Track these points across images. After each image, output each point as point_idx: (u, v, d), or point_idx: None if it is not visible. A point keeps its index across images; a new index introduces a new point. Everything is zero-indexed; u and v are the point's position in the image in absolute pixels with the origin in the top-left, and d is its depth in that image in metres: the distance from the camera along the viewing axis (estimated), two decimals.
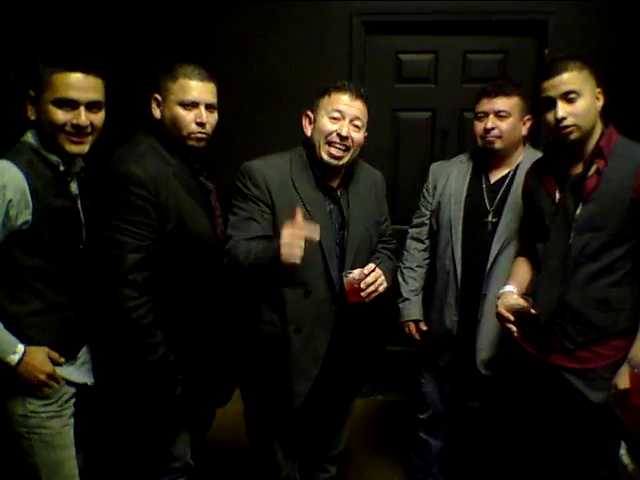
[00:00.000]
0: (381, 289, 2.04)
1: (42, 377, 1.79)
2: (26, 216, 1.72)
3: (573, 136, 1.94)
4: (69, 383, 1.90)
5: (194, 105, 1.94)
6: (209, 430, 2.34)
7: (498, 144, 2.33)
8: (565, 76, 1.92)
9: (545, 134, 2.21)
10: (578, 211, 1.96)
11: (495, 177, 2.41)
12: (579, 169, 1.99)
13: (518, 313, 2.01)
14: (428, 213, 2.57)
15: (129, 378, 1.97)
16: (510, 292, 2.10)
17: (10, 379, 1.79)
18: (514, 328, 2.02)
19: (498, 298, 2.12)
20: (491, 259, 2.32)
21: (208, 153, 2.09)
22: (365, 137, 2.15)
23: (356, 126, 2.06)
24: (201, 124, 1.95)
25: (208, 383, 2.10)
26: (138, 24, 3.46)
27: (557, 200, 2.03)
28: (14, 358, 1.75)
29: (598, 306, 1.96)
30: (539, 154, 2.37)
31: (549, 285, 2.02)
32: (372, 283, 2.00)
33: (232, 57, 3.44)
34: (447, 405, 2.59)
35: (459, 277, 2.38)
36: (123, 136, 1.99)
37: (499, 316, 2.07)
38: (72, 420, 1.93)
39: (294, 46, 3.47)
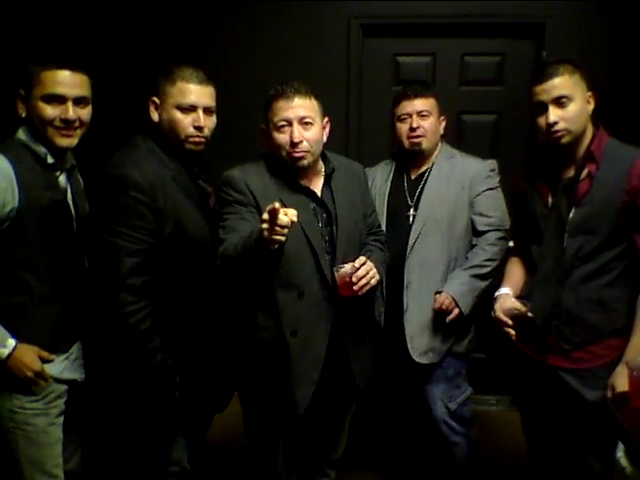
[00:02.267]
0: (373, 282, 2.04)
1: (29, 374, 1.82)
2: (13, 204, 1.77)
3: (564, 140, 1.96)
4: (58, 381, 1.92)
5: (192, 109, 1.94)
6: (206, 434, 2.33)
7: (424, 144, 2.43)
8: (556, 81, 1.94)
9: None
10: (571, 215, 1.98)
11: (415, 174, 2.52)
12: (571, 173, 2.01)
13: (515, 317, 2.03)
14: None
15: (127, 382, 1.96)
16: (507, 295, 2.12)
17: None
18: (512, 332, 2.04)
19: (494, 300, 2.13)
20: (408, 249, 2.39)
21: (205, 156, 2.09)
22: (326, 122, 2.12)
23: (306, 123, 2.02)
24: (199, 128, 1.94)
25: (206, 388, 2.10)
26: (136, 28, 3.46)
27: (550, 204, 2.05)
28: (3, 352, 1.78)
29: (593, 307, 1.98)
30: (455, 151, 2.53)
31: (544, 287, 2.04)
32: (364, 276, 2.00)
33: (230, 60, 3.45)
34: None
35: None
36: (121, 139, 2.00)
37: (497, 320, 2.08)
38: (60, 419, 1.94)
39: (292, 49, 3.48)
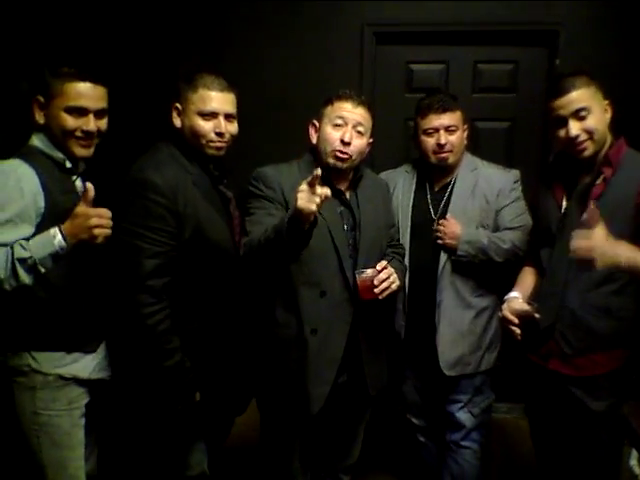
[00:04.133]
0: (394, 287, 2.08)
1: (93, 222, 1.73)
2: (40, 210, 1.79)
3: (587, 152, 1.98)
4: (80, 383, 1.93)
5: (213, 115, 1.97)
6: (226, 439, 2.33)
7: (451, 159, 2.41)
8: (574, 94, 1.95)
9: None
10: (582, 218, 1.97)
11: (439, 186, 2.50)
12: (588, 179, 2.01)
13: (522, 317, 2.05)
14: None
15: (147, 385, 1.97)
16: (515, 298, 2.13)
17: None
18: (518, 331, 2.05)
19: (503, 303, 2.15)
20: (440, 268, 2.39)
21: (225, 162, 2.12)
22: (369, 143, 2.20)
23: (359, 132, 2.12)
24: (220, 134, 1.98)
25: (225, 391, 2.11)
26: (156, 36, 3.49)
27: (564, 208, 2.06)
28: (59, 239, 1.71)
29: (599, 313, 1.99)
30: (477, 160, 2.50)
31: (553, 290, 2.05)
32: (385, 280, 2.04)
33: (245, 66, 3.46)
34: (423, 405, 2.64)
35: (407, 283, 2.41)
36: (144, 145, 2.03)
37: (504, 319, 2.10)
38: (82, 420, 1.96)
39: (307, 56, 3.49)
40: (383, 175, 2.64)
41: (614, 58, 3.28)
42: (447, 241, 2.35)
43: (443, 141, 2.36)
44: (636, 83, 3.28)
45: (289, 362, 2.12)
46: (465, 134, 2.48)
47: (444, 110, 2.37)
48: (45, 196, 1.80)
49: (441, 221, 2.39)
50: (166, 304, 1.89)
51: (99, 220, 1.74)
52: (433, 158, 2.41)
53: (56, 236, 1.72)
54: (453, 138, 2.38)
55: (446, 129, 2.37)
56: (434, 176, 2.50)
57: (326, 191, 1.76)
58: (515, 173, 2.48)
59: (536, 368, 2.13)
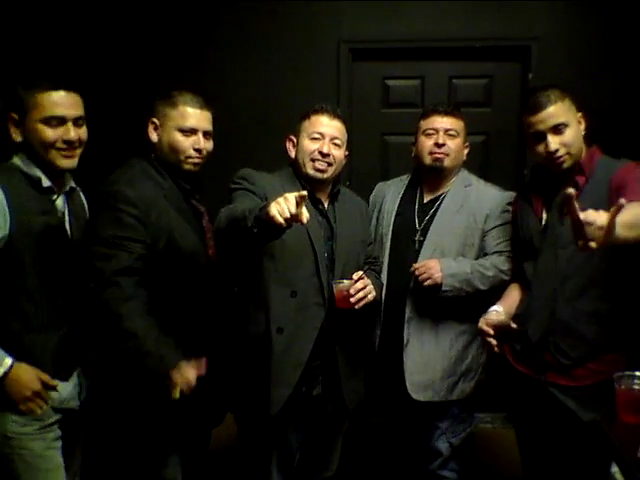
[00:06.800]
0: (370, 297, 2.09)
1: (28, 393, 1.78)
2: (4, 232, 1.74)
3: (566, 165, 2.00)
4: (58, 410, 1.88)
5: (193, 132, 2.00)
6: (205, 452, 2.31)
7: (447, 162, 2.34)
8: (551, 109, 1.97)
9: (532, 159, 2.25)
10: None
11: (428, 197, 2.43)
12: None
13: (499, 328, 2.05)
14: None
15: (122, 395, 1.95)
16: (494, 311, 2.12)
17: None
18: (494, 342, 2.05)
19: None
20: (412, 281, 2.30)
21: (201, 176, 2.12)
22: (346, 155, 2.25)
23: (336, 144, 2.18)
24: (198, 150, 2.01)
25: (200, 402, 2.08)
26: (132, 51, 3.51)
27: (544, 220, 2.08)
28: (3, 370, 1.74)
29: (589, 319, 2.00)
30: (473, 178, 2.45)
31: (541, 303, 2.05)
32: (361, 290, 2.05)
33: (223, 82, 3.49)
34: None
35: (383, 297, 2.35)
36: (117, 160, 2.03)
37: (480, 331, 2.10)
38: (58, 443, 1.90)
39: (284, 72, 3.53)
40: (379, 185, 2.63)
41: (585, 72, 3.36)
42: (435, 275, 2.21)
43: (441, 141, 2.31)
44: (607, 95, 3.35)
45: (255, 360, 2.11)
46: (465, 150, 2.43)
47: (447, 113, 2.35)
48: (12, 217, 1.75)
49: (416, 265, 2.27)
50: (137, 301, 1.83)
51: (33, 397, 1.78)
52: (428, 159, 2.35)
53: (2, 366, 1.75)
54: (452, 143, 2.33)
55: (446, 132, 2.33)
56: (426, 186, 2.44)
57: (304, 215, 1.72)
58: (510, 195, 2.36)
59: (523, 377, 2.12)
